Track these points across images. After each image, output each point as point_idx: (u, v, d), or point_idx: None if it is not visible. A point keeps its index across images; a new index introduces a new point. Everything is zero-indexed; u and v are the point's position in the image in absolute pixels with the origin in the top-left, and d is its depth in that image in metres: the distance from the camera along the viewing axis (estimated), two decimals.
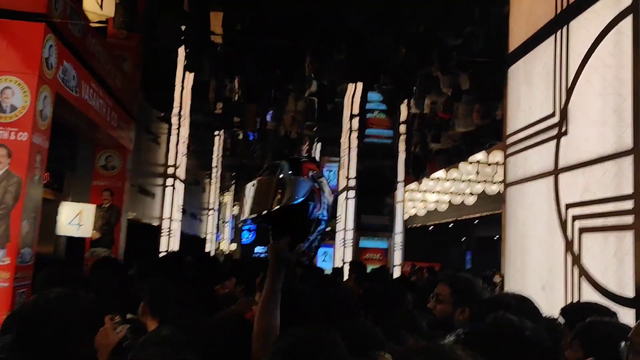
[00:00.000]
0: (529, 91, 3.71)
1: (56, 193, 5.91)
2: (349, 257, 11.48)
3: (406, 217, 17.35)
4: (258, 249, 33.15)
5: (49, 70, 3.77)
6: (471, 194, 12.97)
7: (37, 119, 3.63)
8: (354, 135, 11.85)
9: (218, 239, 25.22)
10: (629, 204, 2.58)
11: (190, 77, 10.27)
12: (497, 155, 9.75)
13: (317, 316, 2.11)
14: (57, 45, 3.90)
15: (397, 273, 11.71)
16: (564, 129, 3.20)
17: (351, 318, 2.25)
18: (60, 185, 5.93)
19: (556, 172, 3.25)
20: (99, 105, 5.07)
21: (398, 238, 12.09)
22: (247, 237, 33.70)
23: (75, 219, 5.82)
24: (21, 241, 3.52)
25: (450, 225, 20.40)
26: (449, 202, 14.43)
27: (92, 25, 5.34)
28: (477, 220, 17.55)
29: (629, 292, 2.56)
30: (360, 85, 11.03)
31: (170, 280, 2.55)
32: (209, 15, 7.15)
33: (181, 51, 8.90)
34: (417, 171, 13.46)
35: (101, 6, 5.96)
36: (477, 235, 20.82)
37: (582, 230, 2.94)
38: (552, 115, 3.34)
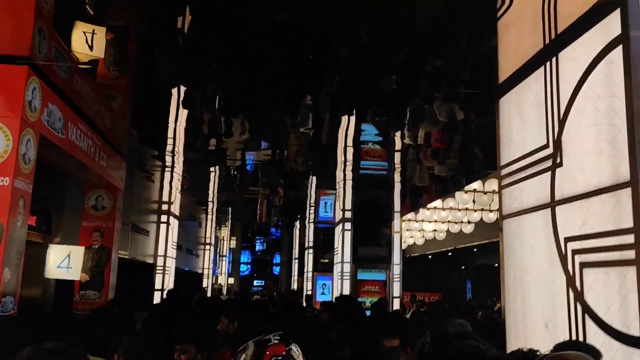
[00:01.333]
0: (521, 122, 3.65)
1: (44, 235, 5.79)
2: (347, 290, 11.30)
3: (404, 246, 17.23)
4: (257, 282, 32.92)
5: (32, 113, 3.70)
6: (469, 222, 12.88)
7: (20, 163, 3.55)
8: (349, 167, 11.81)
9: (215, 273, 24.95)
10: (629, 238, 2.49)
11: (183, 114, 10.27)
12: (492, 184, 9.70)
13: None
14: (41, 87, 3.84)
15: (396, 305, 11.51)
16: (558, 160, 3.12)
17: None
18: (48, 227, 5.81)
19: (553, 204, 3.16)
20: (87, 145, 5.00)
21: (396, 269, 11.93)
22: (244, 270, 33.43)
23: (64, 261, 5.69)
24: (3, 289, 3.39)
25: (449, 254, 20.26)
26: (447, 230, 14.33)
27: (81, 66, 5.32)
28: (475, 249, 17.43)
29: (635, 331, 2.44)
30: (353, 117, 11.04)
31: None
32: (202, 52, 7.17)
33: (174, 89, 8.93)
34: (414, 201, 13.39)
35: (91, 47, 5.94)
36: (477, 262, 20.65)
37: (583, 265, 2.84)
38: (546, 146, 3.27)
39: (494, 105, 4.14)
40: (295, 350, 2.12)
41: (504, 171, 3.87)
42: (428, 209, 12.89)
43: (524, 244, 3.56)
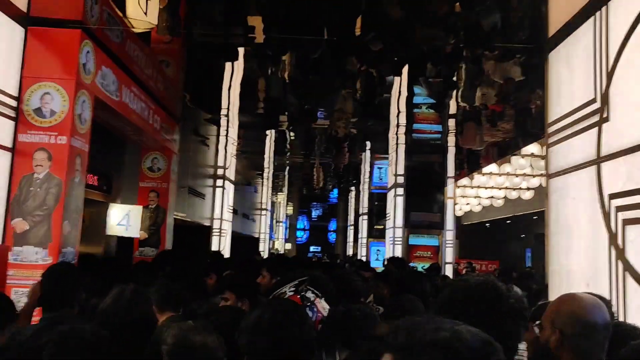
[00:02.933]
0: (570, 77, 3.51)
1: (105, 195, 6.13)
2: (398, 254, 11.33)
3: (460, 213, 16.99)
4: (313, 248, 33.47)
5: (86, 75, 3.89)
6: (528, 188, 12.54)
7: (76, 122, 3.76)
8: (402, 131, 11.68)
9: (272, 238, 25.53)
10: None
11: (237, 78, 10.43)
12: None
13: None
14: (95, 50, 4.02)
15: (448, 271, 11.46)
16: (605, 115, 3.00)
17: None
18: (109, 187, 6.14)
19: (598, 161, 3.06)
20: (141, 108, 5.21)
21: (449, 235, 11.81)
22: (301, 236, 34.01)
23: (124, 219, 6.02)
24: (63, 241, 3.65)
25: (507, 222, 19.81)
26: (505, 197, 14.01)
27: (135, 31, 5.49)
28: (535, 216, 16.96)
29: None
30: (405, 79, 10.85)
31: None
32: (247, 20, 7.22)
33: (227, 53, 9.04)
34: (469, 166, 13.14)
35: (145, 13, 6.12)
36: (537, 231, 20.10)
37: (626, 222, 2.75)
38: (593, 101, 3.14)
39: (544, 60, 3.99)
40: (311, 294, 2.16)
41: (551, 129, 3.76)
42: (483, 175, 12.63)
43: (569, 203, 3.47)
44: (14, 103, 3.65)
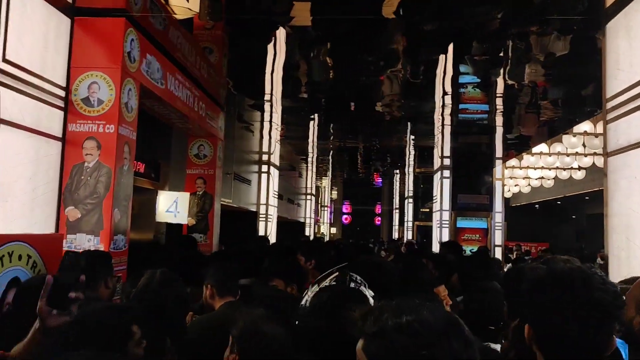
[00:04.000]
0: (629, 48, 3.31)
1: (154, 182, 6.24)
2: (445, 238, 11.16)
3: (509, 195, 16.57)
4: (358, 231, 33.48)
5: (131, 64, 3.93)
6: (579, 167, 12.09)
7: (123, 111, 3.81)
8: (447, 112, 11.41)
9: (317, 222, 25.65)
10: None
11: (280, 62, 10.39)
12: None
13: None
14: (139, 38, 4.05)
15: (498, 253, 11.22)
16: None
17: None
18: (157, 174, 6.25)
19: None
20: (185, 95, 5.24)
21: (498, 217, 11.55)
22: (346, 220, 34.03)
23: (172, 206, 6.11)
24: (114, 228, 3.72)
25: (558, 203, 19.22)
26: (555, 177, 13.56)
27: (177, 17, 5.53)
28: (587, 197, 16.36)
29: None
30: (451, 58, 10.55)
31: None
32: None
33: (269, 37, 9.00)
34: (517, 147, 12.75)
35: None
36: (589, 212, 19.43)
37: None
38: None
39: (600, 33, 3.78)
40: (354, 284, 2.12)
41: (610, 104, 3.56)
42: (533, 155, 12.24)
43: (631, 182, 3.29)
44: (62, 93, 3.72)
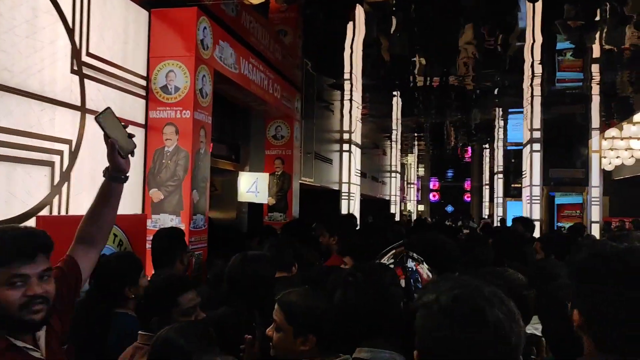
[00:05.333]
0: None
1: (235, 164, 6.47)
2: (536, 214, 10.68)
3: (610, 168, 15.48)
4: (449, 208, 32.78)
5: (205, 51, 4.08)
6: None
7: (198, 97, 3.98)
8: (537, 81, 10.81)
9: (404, 200, 25.42)
10: None
11: (358, 40, 10.31)
12: None
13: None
14: (212, 26, 4.19)
15: (595, 230, 10.58)
16: None
17: None
18: (237, 156, 6.47)
19: None
20: (260, 78, 5.37)
21: (595, 192, 10.87)
22: (434, 197, 33.44)
23: (253, 186, 6.32)
24: (193, 209, 3.93)
25: None
26: None
27: (251, 2, 5.64)
28: None
29: None
30: (539, 24, 9.95)
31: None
32: None
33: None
34: (619, 115, 11.85)
35: None
36: None
37: None
38: None
39: None
40: (411, 262, 2.10)
41: None
42: (635, 124, 11.34)
43: None
44: (144, 82, 3.95)
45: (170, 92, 3.92)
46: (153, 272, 3.09)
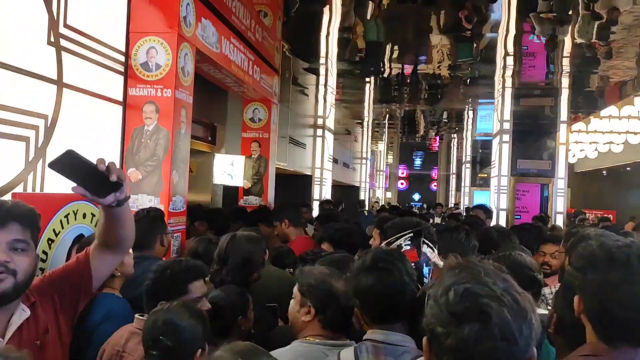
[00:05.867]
0: None
1: (211, 146, 6.37)
2: (504, 204, 10.90)
3: (574, 160, 15.90)
4: (415, 197, 33.18)
5: (187, 28, 3.97)
6: None
7: (180, 75, 3.87)
8: (508, 73, 10.96)
9: (373, 187, 25.59)
10: None
11: (335, 24, 10.24)
12: None
13: None
14: (195, 3, 4.08)
15: (559, 221, 10.87)
16: None
17: None
18: (214, 138, 6.37)
19: None
20: (240, 59, 5.27)
21: (560, 183, 11.14)
22: (401, 185, 33.78)
23: (228, 169, 6.24)
24: (172, 190, 3.84)
25: (627, 169, 18.29)
26: (625, 142, 12.90)
27: None
28: None
29: None
30: (513, 16, 10.07)
31: None
32: None
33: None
34: (585, 109, 12.15)
35: None
36: None
37: None
38: None
39: None
40: (427, 248, 2.15)
41: None
42: (601, 118, 11.65)
43: None
44: (122, 58, 3.82)
45: (151, 70, 3.81)
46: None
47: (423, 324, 1.09)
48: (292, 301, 2.05)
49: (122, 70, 3.83)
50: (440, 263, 2.25)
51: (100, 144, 3.65)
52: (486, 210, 7.67)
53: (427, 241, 2.24)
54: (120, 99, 3.81)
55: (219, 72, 5.06)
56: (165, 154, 3.79)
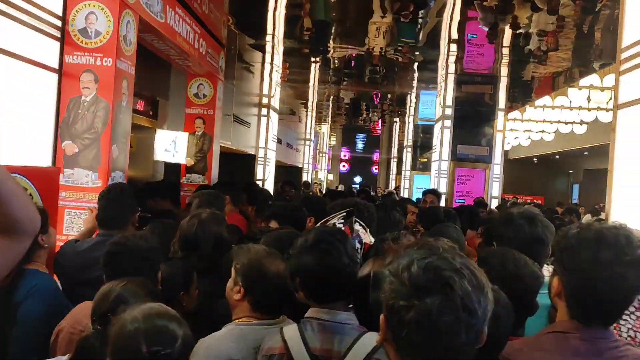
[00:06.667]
0: None
1: (152, 121, 6.14)
2: (443, 188, 11.18)
3: (508, 147, 16.49)
4: (357, 179, 33.53)
5: None
6: (582, 122, 11.98)
7: (121, 44, 3.68)
8: (452, 60, 11.16)
9: (315, 168, 25.64)
10: None
11: (283, 0, 10.04)
12: (612, 79, 8.80)
13: None
14: None
15: (494, 205, 11.26)
16: None
17: None
18: (155, 113, 6.14)
19: None
20: (186, 31, 5.08)
21: (496, 169, 11.53)
22: (344, 167, 34.05)
23: (170, 145, 6.05)
24: (112, 165, 3.67)
25: (556, 157, 19.19)
26: (556, 131, 13.48)
27: None
28: (586, 152, 16.32)
29: None
30: (459, 2, 10.22)
31: None
32: None
33: None
34: (522, 98, 12.57)
35: None
36: (586, 167, 19.44)
37: None
38: None
39: None
40: (359, 226, 2.18)
41: (625, 54, 3.45)
42: (536, 108, 12.10)
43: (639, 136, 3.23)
44: (59, 23, 3.58)
45: (91, 37, 3.59)
46: (98, 232, 2.92)
47: (380, 300, 1.08)
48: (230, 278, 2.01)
49: (59, 35, 3.59)
50: (372, 239, 2.29)
51: (33, 113, 3.42)
52: (437, 194, 7.88)
53: (358, 220, 2.27)
54: (56, 66, 3.58)
55: (162, 44, 4.86)
56: (105, 127, 3.60)
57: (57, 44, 3.59)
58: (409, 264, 1.05)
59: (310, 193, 12.33)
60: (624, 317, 1.76)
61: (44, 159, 3.55)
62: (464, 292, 1.01)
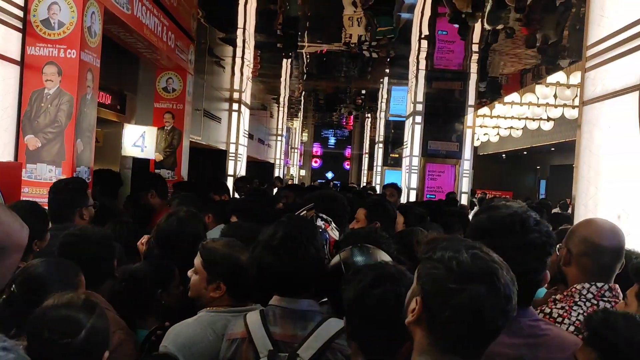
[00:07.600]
0: None
1: (120, 115, 6.02)
2: (414, 183, 11.27)
3: (477, 144, 16.71)
4: (329, 175, 33.56)
5: None
6: (549, 118, 12.21)
7: (86, 35, 3.58)
8: (423, 56, 11.22)
9: (287, 164, 25.56)
10: None
11: None
12: (578, 76, 8.98)
13: None
14: None
15: (464, 200, 11.41)
16: None
17: None
18: (123, 107, 6.02)
19: None
20: (154, 24, 4.98)
21: (466, 165, 11.67)
22: (315, 163, 34.06)
23: (139, 140, 5.94)
24: (76, 160, 3.57)
25: (524, 153, 19.56)
26: (524, 128, 13.70)
27: None
28: (553, 148, 16.67)
29: None
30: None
31: None
32: None
33: None
34: (491, 95, 12.72)
35: None
36: (553, 163, 19.87)
37: None
38: None
39: None
40: (321, 222, 2.19)
41: (590, 52, 3.51)
42: (504, 104, 12.28)
43: (604, 131, 3.29)
44: (20, 13, 3.46)
45: (53, 28, 3.48)
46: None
47: (421, 283, 1.16)
48: (194, 276, 1.96)
49: (20, 26, 3.47)
50: (335, 234, 2.30)
51: None
52: (397, 189, 7.94)
53: (321, 214, 2.28)
54: (18, 58, 3.47)
55: (129, 36, 4.75)
56: (69, 121, 3.50)
57: (19, 35, 3.48)
58: (455, 253, 1.14)
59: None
60: (579, 303, 1.78)
61: (5, 154, 3.44)
62: (505, 282, 1.13)
